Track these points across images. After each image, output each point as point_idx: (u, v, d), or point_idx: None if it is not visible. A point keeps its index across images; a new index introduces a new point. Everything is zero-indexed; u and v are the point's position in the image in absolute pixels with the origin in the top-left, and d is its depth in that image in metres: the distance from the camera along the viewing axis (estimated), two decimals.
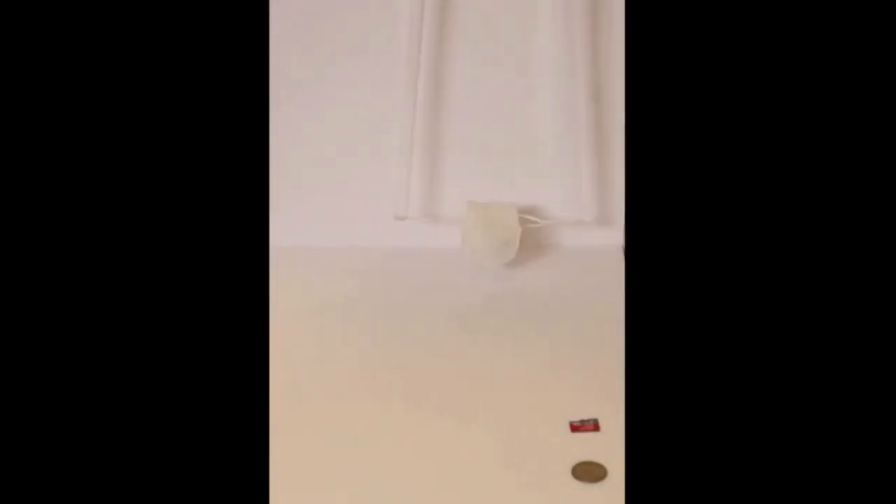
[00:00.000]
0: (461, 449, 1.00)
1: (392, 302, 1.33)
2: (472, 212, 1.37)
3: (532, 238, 1.41)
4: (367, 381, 1.14)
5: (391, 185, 1.40)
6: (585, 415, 1.04)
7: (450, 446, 1.01)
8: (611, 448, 0.97)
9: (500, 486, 0.94)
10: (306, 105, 1.40)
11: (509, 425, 1.03)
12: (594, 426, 1.02)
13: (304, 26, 1.37)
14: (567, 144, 1.40)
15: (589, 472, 0.95)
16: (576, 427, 1.02)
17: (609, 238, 1.42)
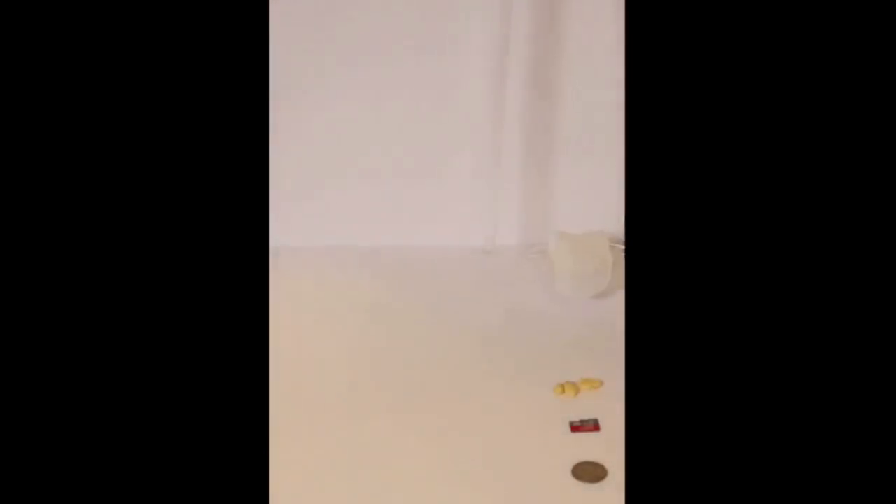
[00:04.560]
0: (462, 449, 1.00)
1: (397, 301, 1.33)
2: (562, 242, 1.34)
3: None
4: (367, 380, 1.14)
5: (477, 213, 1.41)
6: (585, 415, 1.04)
7: (450, 446, 1.01)
8: (611, 448, 0.97)
9: (501, 485, 0.95)
10: (306, 107, 1.41)
11: (510, 425, 1.04)
12: (594, 426, 1.02)
13: (304, 30, 1.37)
14: None
15: (589, 472, 0.95)
16: (576, 427, 1.03)
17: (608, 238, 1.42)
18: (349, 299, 1.35)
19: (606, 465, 0.95)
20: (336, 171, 1.45)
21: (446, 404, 1.09)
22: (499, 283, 1.38)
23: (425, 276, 1.41)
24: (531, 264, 1.41)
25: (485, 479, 0.96)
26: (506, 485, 0.95)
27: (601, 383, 1.09)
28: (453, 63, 1.38)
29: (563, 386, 1.09)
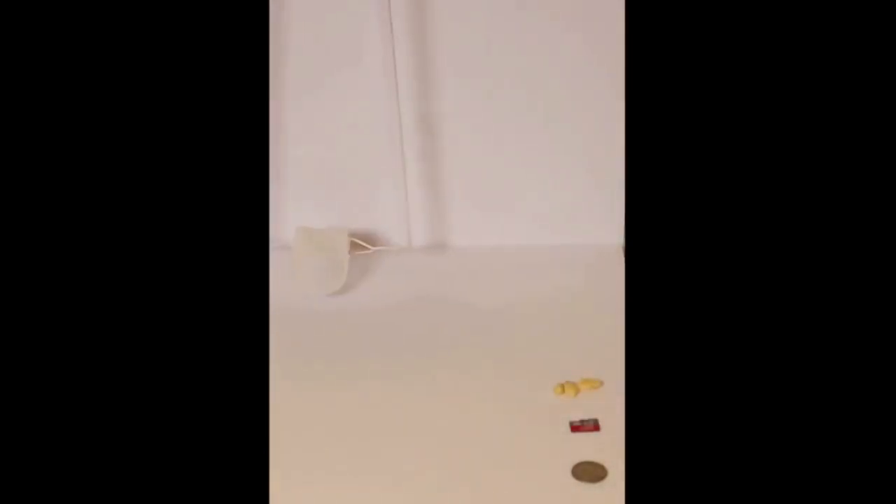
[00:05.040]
0: (461, 449, 1.00)
1: (396, 300, 1.33)
2: (301, 236, 1.34)
3: (362, 264, 1.38)
4: (367, 381, 1.14)
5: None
6: (585, 415, 1.04)
7: (450, 446, 1.01)
8: (611, 448, 0.97)
9: (501, 486, 0.95)
10: (306, 106, 1.40)
11: (510, 425, 1.04)
12: (594, 426, 1.02)
13: (303, 31, 1.37)
14: (397, 172, 1.39)
15: (589, 472, 0.95)
16: (576, 427, 1.02)
17: (609, 238, 1.42)
18: None
19: (606, 465, 0.95)
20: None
21: (445, 403, 1.09)
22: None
23: None
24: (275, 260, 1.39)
25: (484, 479, 0.96)
26: (506, 485, 0.95)
27: (601, 383, 1.09)
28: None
29: (563, 386, 1.09)
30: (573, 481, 0.94)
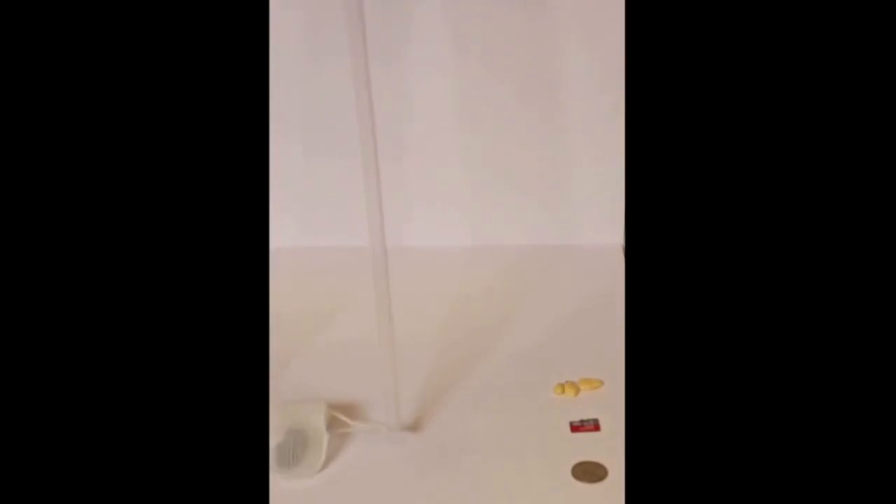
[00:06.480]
0: (461, 448, 1.00)
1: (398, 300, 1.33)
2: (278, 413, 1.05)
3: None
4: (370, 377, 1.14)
5: None
6: (585, 415, 1.04)
7: (450, 445, 1.01)
8: (611, 448, 0.97)
9: (501, 485, 0.95)
10: (306, 102, 1.41)
11: (510, 424, 1.04)
12: (594, 426, 1.02)
13: (303, 26, 1.37)
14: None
15: (589, 472, 0.95)
16: (576, 427, 1.03)
17: (609, 238, 1.42)
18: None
19: (606, 465, 0.95)
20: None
21: (446, 401, 1.09)
22: None
23: None
24: None
25: (485, 479, 0.96)
26: (506, 485, 0.95)
27: (601, 383, 1.09)
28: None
29: (563, 386, 1.09)
30: (573, 481, 0.94)
